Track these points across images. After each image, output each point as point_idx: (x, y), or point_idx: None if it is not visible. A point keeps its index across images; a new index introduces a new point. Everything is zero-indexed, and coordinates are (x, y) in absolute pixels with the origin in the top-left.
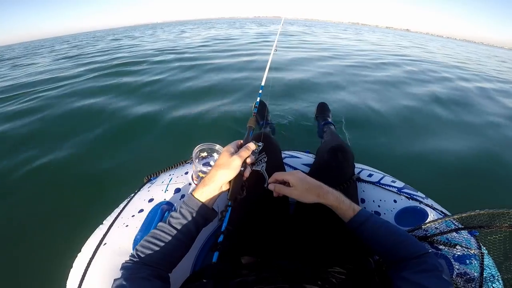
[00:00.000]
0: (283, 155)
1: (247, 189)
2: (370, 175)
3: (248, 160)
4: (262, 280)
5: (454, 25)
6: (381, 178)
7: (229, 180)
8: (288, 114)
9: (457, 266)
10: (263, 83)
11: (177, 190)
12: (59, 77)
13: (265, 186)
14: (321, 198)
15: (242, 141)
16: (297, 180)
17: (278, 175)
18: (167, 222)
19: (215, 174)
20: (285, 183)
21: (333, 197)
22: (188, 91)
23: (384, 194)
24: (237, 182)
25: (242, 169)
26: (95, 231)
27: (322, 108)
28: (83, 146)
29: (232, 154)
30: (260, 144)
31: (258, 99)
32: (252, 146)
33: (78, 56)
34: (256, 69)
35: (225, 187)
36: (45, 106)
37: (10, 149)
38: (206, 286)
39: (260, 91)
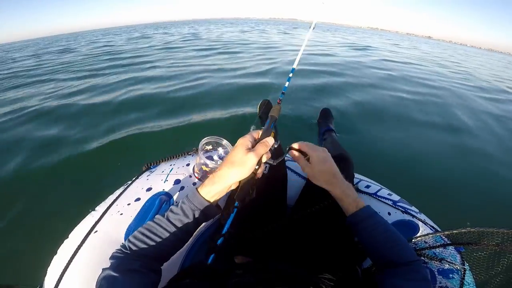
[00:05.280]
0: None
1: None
2: (367, 186)
3: (264, 158)
4: (260, 282)
5: (476, 32)
6: (378, 190)
7: (241, 179)
8: (290, 116)
9: (439, 279)
10: (294, 66)
11: (177, 182)
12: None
13: (286, 148)
14: (329, 186)
15: (259, 133)
16: (317, 158)
17: (303, 145)
18: (165, 216)
19: (227, 173)
20: (306, 155)
21: (339, 190)
22: None
23: (379, 206)
24: (248, 181)
25: (256, 167)
26: (86, 217)
27: (325, 114)
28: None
29: (248, 149)
30: (278, 142)
31: (287, 83)
32: (271, 140)
33: None
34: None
35: (234, 186)
36: None
37: None
38: (202, 287)
39: (291, 75)
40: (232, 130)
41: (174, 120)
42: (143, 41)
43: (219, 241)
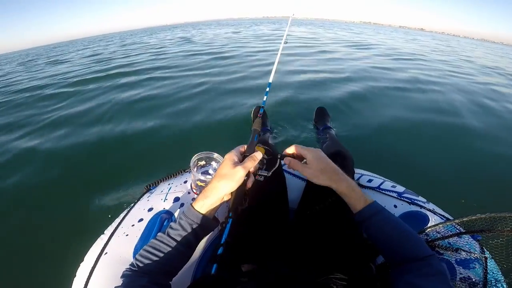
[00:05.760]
0: (282, 162)
1: (249, 199)
2: (369, 181)
3: (252, 170)
4: (264, 287)
5: (466, 23)
6: (381, 183)
7: (232, 191)
8: (287, 119)
9: (460, 271)
10: (270, 80)
11: (176, 199)
12: None
13: (278, 156)
14: (333, 183)
15: (246, 147)
16: (314, 158)
17: (297, 148)
18: (166, 233)
19: (217, 186)
20: (301, 158)
21: (345, 184)
22: None
23: (384, 200)
24: (239, 192)
25: (246, 178)
26: (96, 241)
27: (321, 113)
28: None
29: (235, 163)
30: (267, 156)
31: (265, 98)
32: (259, 155)
33: None
34: None
35: (227, 197)
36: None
37: None
38: None
39: (267, 89)
40: (232, 142)
41: (169, 139)
42: (134, 46)
43: (219, 251)
